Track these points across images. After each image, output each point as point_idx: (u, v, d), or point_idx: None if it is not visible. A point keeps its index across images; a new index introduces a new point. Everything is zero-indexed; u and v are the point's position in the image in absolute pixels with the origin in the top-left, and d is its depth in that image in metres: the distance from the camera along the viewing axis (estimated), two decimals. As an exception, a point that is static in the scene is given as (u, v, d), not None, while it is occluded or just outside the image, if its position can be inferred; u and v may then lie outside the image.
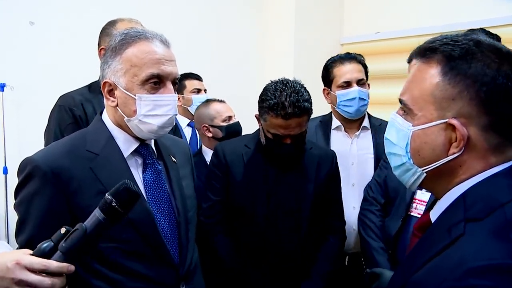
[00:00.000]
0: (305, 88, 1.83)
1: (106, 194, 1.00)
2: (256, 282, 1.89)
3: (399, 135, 0.95)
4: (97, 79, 2.20)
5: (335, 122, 2.41)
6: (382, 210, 2.00)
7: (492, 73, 0.83)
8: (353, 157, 2.33)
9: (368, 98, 2.32)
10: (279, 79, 1.86)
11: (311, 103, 1.81)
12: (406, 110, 0.94)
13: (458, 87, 0.85)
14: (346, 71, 2.30)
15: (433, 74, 0.89)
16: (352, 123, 2.39)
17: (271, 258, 1.89)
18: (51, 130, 2.10)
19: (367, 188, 2.11)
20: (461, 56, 0.86)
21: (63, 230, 0.97)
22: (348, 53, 2.40)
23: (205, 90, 3.03)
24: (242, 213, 1.92)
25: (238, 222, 1.94)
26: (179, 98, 2.93)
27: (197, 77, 3.05)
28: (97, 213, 0.99)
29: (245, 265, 1.90)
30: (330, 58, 2.40)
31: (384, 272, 1.34)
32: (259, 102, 1.87)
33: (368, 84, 2.38)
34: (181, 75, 2.88)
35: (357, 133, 2.38)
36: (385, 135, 1.02)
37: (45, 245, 0.98)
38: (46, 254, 0.98)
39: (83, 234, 0.97)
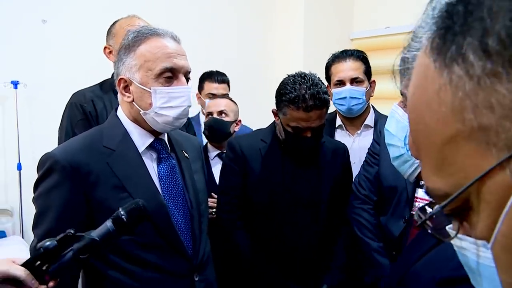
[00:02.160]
0: (322, 81, 1.84)
1: (120, 209, 1.04)
2: (275, 276, 1.89)
3: (399, 126, 0.96)
4: (109, 77, 2.25)
5: (338, 121, 2.42)
6: (374, 208, 1.95)
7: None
8: (355, 156, 2.30)
9: (365, 96, 2.28)
10: (296, 73, 1.86)
11: (329, 95, 1.83)
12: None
13: None
14: (340, 70, 2.30)
15: None
16: (354, 121, 2.38)
17: (290, 253, 1.89)
18: (63, 127, 2.15)
19: (356, 184, 2.04)
20: None
21: (69, 233, 0.98)
22: (345, 50, 2.37)
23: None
24: (260, 208, 1.92)
25: (257, 217, 1.93)
26: (198, 97, 2.93)
27: (219, 79, 2.88)
28: (108, 224, 1.03)
29: (265, 260, 1.91)
30: (332, 55, 2.40)
31: None
32: (277, 96, 1.86)
33: (373, 81, 2.35)
34: (204, 73, 2.85)
35: (358, 131, 2.38)
36: (385, 126, 1.03)
37: (48, 243, 0.97)
38: (48, 253, 0.97)
39: (92, 240, 0.99)
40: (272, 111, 1.95)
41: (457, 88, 0.38)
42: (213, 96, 2.80)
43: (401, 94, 0.97)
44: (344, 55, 2.33)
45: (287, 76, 1.88)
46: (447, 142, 0.40)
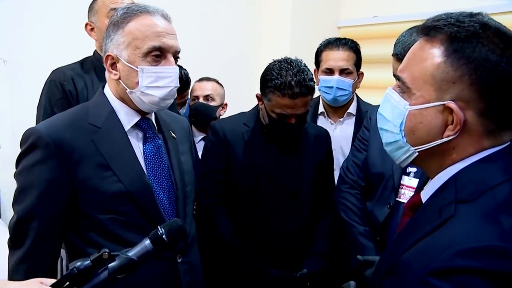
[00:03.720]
0: (308, 68, 1.83)
1: (159, 227, 1.02)
2: (258, 262, 1.90)
3: (394, 112, 0.94)
4: (91, 54, 2.20)
5: (320, 108, 2.42)
6: (361, 193, 1.96)
7: (495, 59, 0.82)
8: (336, 143, 2.32)
9: (351, 88, 2.29)
10: (282, 58, 1.85)
11: (314, 82, 1.82)
12: (403, 88, 0.93)
13: (460, 70, 0.84)
14: (331, 58, 2.28)
15: (435, 54, 0.87)
16: (337, 109, 2.38)
17: (273, 238, 1.89)
18: (42, 105, 2.10)
19: (344, 169, 2.04)
20: (466, 39, 0.84)
21: (105, 254, 0.95)
22: (340, 39, 2.34)
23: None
24: (244, 193, 1.91)
25: (240, 202, 1.93)
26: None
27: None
28: (146, 242, 1.01)
29: (247, 246, 1.91)
30: (325, 40, 2.38)
31: (377, 260, 1.29)
32: (262, 81, 1.85)
33: (361, 73, 2.35)
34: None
35: (341, 119, 2.39)
36: (379, 110, 1.01)
37: (80, 263, 0.93)
38: (81, 274, 0.93)
39: (130, 260, 0.97)
40: (256, 96, 1.93)
41: None
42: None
43: (397, 78, 0.95)
44: (337, 43, 2.30)
45: (272, 61, 1.86)
46: None
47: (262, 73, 1.86)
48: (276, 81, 1.75)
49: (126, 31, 1.32)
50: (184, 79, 2.57)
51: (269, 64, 1.86)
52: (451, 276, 0.72)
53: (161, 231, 1.01)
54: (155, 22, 1.33)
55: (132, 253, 0.98)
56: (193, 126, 2.52)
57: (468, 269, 0.71)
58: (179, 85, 1.40)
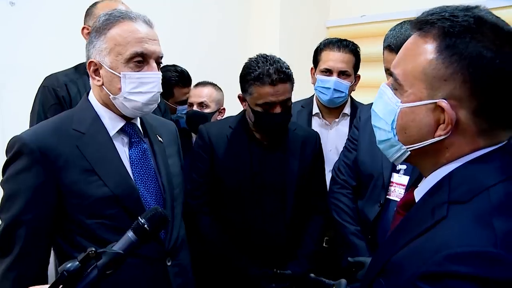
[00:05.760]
0: (283, 60, 1.89)
1: (139, 218, 1.02)
2: (242, 262, 1.91)
3: (387, 109, 0.91)
4: (82, 60, 2.19)
5: (315, 108, 2.42)
6: (353, 193, 1.96)
7: (489, 56, 0.78)
8: (331, 144, 2.34)
9: (348, 91, 2.28)
10: (257, 55, 1.91)
11: (291, 71, 1.88)
12: (395, 85, 0.90)
13: (452, 67, 0.80)
14: (330, 59, 2.26)
15: (427, 50, 0.84)
16: (332, 110, 2.38)
17: (257, 238, 1.91)
18: (35, 111, 2.11)
19: (335, 169, 2.06)
20: (459, 34, 0.80)
21: (91, 252, 0.95)
22: (341, 40, 2.31)
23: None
24: (228, 194, 1.93)
25: (224, 203, 1.95)
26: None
27: (187, 83, 2.62)
28: (129, 234, 1.02)
29: (231, 246, 1.92)
30: (326, 39, 2.37)
31: (367, 261, 1.27)
32: (242, 78, 1.89)
33: (358, 76, 2.34)
34: (169, 79, 2.71)
35: (336, 120, 2.39)
36: (372, 106, 0.98)
37: (70, 265, 0.93)
38: (71, 276, 0.93)
39: (116, 254, 0.98)
40: (239, 97, 1.97)
41: None
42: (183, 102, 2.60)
43: (390, 74, 0.93)
44: (338, 44, 2.27)
45: (248, 59, 1.92)
46: None
47: (241, 72, 1.91)
48: (254, 73, 1.81)
49: (108, 37, 1.33)
50: (186, 75, 2.60)
51: (245, 62, 1.92)
52: (440, 281, 0.71)
53: (142, 221, 1.02)
54: (137, 28, 1.34)
55: (118, 247, 1.00)
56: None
57: (458, 275, 0.70)
58: (162, 90, 1.41)
